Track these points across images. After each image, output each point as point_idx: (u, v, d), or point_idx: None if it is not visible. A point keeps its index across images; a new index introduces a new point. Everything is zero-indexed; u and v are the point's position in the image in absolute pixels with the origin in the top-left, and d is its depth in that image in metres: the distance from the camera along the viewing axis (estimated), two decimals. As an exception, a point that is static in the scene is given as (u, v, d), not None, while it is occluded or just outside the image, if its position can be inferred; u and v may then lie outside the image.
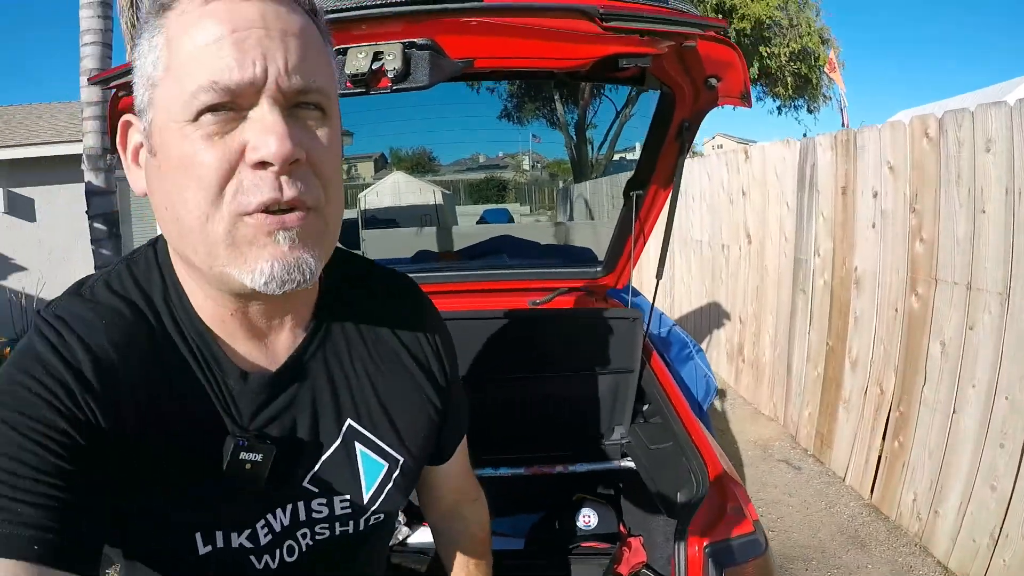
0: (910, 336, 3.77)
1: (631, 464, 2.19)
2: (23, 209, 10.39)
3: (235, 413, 0.84)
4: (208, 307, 0.83)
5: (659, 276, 2.10)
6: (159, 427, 0.78)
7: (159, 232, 0.89)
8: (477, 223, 4.72)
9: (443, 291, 2.43)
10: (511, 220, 4.93)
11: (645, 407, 2.25)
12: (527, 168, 5.95)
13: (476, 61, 1.25)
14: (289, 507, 0.90)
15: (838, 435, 4.49)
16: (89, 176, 6.01)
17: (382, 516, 0.99)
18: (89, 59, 5.85)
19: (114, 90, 1.40)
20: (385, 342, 0.99)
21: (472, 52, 1.24)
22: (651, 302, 2.21)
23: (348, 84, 1.15)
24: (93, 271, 5.30)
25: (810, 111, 18.68)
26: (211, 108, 0.70)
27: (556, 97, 4.53)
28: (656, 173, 2.01)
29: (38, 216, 10.48)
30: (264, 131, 0.70)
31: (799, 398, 4.99)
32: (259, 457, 0.81)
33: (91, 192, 6.04)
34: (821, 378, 4.69)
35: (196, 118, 0.70)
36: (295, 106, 0.74)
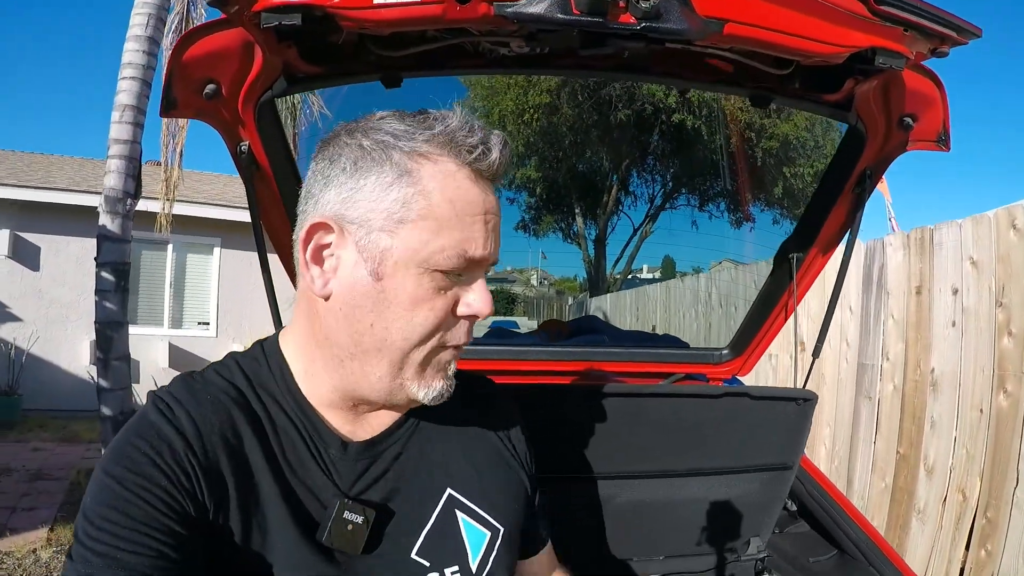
0: (998, 437, 3.55)
1: None
2: (28, 256, 10.11)
3: (337, 479, 0.92)
4: (317, 393, 0.94)
5: (816, 354, 1.86)
6: (260, 494, 0.86)
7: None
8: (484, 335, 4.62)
9: (526, 371, 2.09)
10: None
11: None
12: (535, 284, 5.98)
13: (726, 26, 1.05)
14: None
15: (911, 548, 4.15)
16: (104, 219, 5.78)
17: None
18: (125, 94, 5.74)
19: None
20: (476, 426, 1.11)
21: (726, 12, 1.04)
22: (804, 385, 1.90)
23: (575, 9, 0.99)
24: (93, 329, 5.03)
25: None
26: (452, 271, 0.87)
27: (577, 209, 4.49)
28: (822, 232, 1.76)
29: (42, 266, 10.20)
30: (482, 299, 0.91)
31: (862, 511, 4.59)
32: (360, 519, 0.89)
33: (104, 237, 5.79)
34: (889, 489, 4.38)
35: (434, 271, 0.86)
36: None
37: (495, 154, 0.88)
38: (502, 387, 1.24)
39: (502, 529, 1.04)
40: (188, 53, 1.16)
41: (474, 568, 0.99)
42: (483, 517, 1.02)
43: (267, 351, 0.98)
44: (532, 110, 3.69)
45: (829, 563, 1.75)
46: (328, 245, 0.89)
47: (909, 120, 1.41)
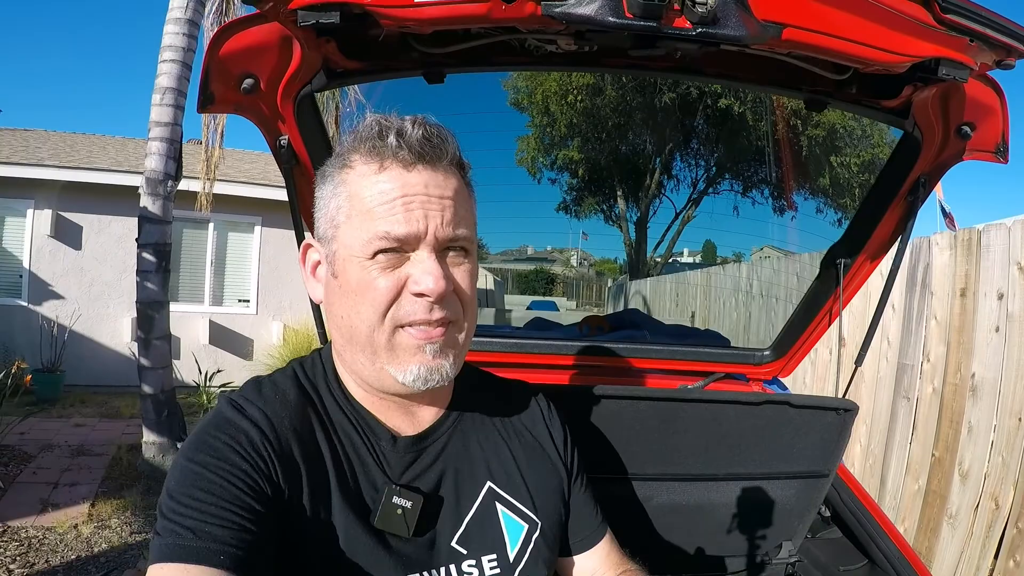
0: (1034, 447, 3.48)
1: None
2: (70, 235, 10.24)
3: (388, 470, 1.02)
4: (360, 393, 1.06)
5: (859, 362, 1.83)
6: (323, 479, 0.96)
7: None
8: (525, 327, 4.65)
9: (566, 365, 2.09)
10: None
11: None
12: (575, 264, 5.92)
13: (785, 31, 1.03)
14: (443, 569, 1.02)
15: (940, 552, 4.11)
16: (145, 201, 5.86)
17: None
18: (165, 77, 5.75)
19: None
20: (514, 423, 1.19)
21: (785, 16, 1.03)
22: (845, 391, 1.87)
23: (627, 12, 0.96)
24: (135, 307, 5.11)
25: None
26: (383, 251, 0.95)
27: (619, 192, 4.44)
28: (873, 238, 1.73)
29: (84, 245, 10.33)
30: (423, 272, 0.95)
31: (893, 512, 4.58)
32: (409, 504, 0.98)
33: (145, 219, 5.88)
34: (923, 491, 4.32)
35: (373, 256, 0.95)
36: (445, 249, 0.98)
37: (391, 138, 0.95)
38: (541, 387, 1.29)
39: (540, 523, 1.11)
40: (225, 48, 1.18)
41: (511, 558, 1.07)
42: (521, 510, 1.10)
43: (323, 357, 1.10)
44: (575, 91, 3.70)
45: (859, 572, 1.74)
46: (318, 262, 1.06)
47: (967, 129, 1.38)
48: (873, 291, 4.76)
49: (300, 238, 1.61)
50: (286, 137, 1.40)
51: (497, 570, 1.06)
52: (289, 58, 1.22)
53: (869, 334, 1.77)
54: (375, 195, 0.95)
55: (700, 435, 1.68)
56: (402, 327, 0.97)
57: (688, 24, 0.98)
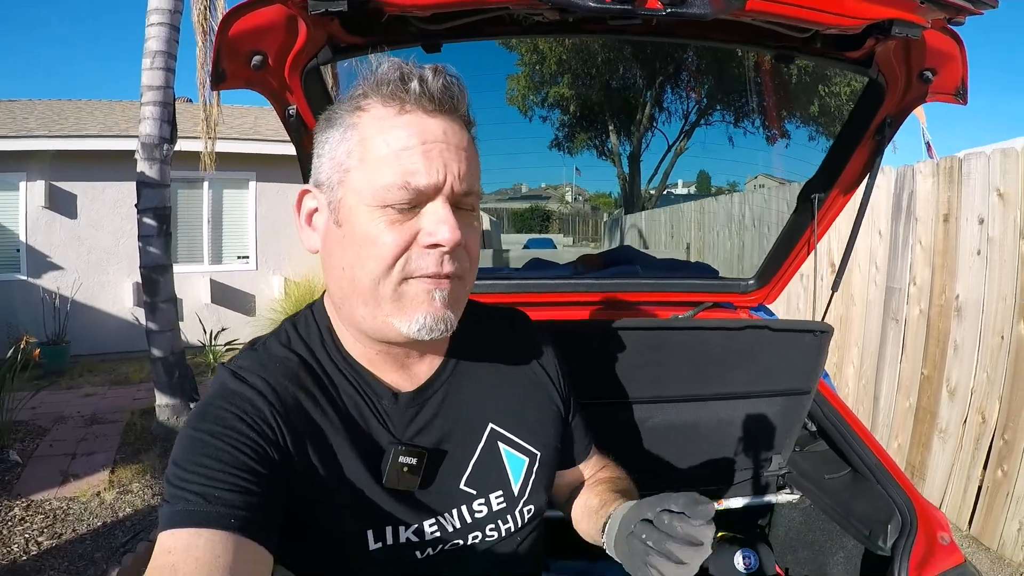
0: (1017, 363, 3.68)
1: (792, 497, 1.98)
2: (65, 205, 10.14)
3: (391, 427, 1.03)
4: (357, 348, 1.05)
5: (835, 288, 1.95)
6: (330, 441, 0.97)
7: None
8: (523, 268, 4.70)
9: (563, 302, 2.21)
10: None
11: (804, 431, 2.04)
12: (569, 200, 5.91)
13: (748, 2, 1.13)
14: (455, 511, 1.06)
15: (932, 466, 4.33)
16: (143, 166, 5.82)
17: (532, 509, 1.15)
18: (154, 40, 5.70)
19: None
20: (510, 359, 1.19)
21: None
22: (823, 317, 2.01)
23: None
24: (135, 271, 5.13)
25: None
26: (394, 205, 0.91)
27: (611, 126, 4.45)
28: (843, 175, 1.82)
29: (80, 213, 10.23)
30: (439, 222, 0.92)
31: (887, 429, 4.78)
32: (413, 461, 1.00)
33: (143, 184, 5.84)
34: (913, 408, 4.52)
35: (383, 206, 0.92)
36: (454, 205, 0.95)
37: (414, 84, 0.92)
38: (540, 322, 1.32)
39: (539, 453, 1.16)
40: (234, 28, 1.23)
41: (516, 491, 1.12)
42: (522, 445, 1.14)
43: (316, 316, 1.09)
44: None
45: (842, 480, 1.87)
46: (315, 209, 1.01)
47: (929, 74, 1.45)
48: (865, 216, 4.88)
49: None
50: (294, 107, 1.47)
51: (504, 504, 1.11)
52: (295, 36, 1.28)
53: (842, 264, 1.89)
54: (393, 139, 0.91)
55: (689, 360, 1.80)
56: (410, 279, 0.94)
57: (659, 5, 1.10)
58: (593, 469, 1.36)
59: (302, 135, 1.53)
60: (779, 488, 2.02)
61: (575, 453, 1.32)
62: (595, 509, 1.21)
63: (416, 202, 0.93)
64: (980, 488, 3.91)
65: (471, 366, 1.14)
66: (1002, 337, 3.77)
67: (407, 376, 1.07)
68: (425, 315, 0.95)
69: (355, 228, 0.93)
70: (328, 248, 0.99)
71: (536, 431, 1.17)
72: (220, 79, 1.31)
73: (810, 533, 1.95)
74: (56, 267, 10.11)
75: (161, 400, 6.03)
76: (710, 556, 2.04)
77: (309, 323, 1.08)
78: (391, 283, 0.94)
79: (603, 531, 1.12)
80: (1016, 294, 3.67)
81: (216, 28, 1.25)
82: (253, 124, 12.20)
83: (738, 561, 1.93)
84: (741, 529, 2.12)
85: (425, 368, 1.09)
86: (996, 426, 3.80)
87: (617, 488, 1.25)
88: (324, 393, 1.00)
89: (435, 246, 0.93)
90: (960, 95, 1.48)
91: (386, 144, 0.92)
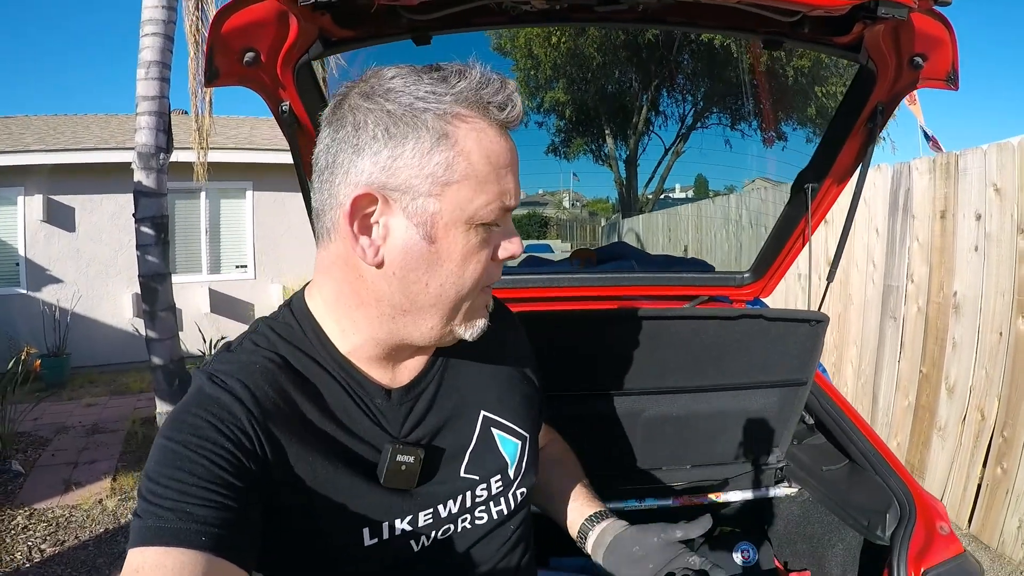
0: (1016, 360, 3.67)
1: (791, 490, 1.97)
2: (62, 218, 10.18)
3: (386, 426, 1.01)
4: (351, 347, 1.01)
5: (830, 279, 1.92)
6: (316, 445, 0.94)
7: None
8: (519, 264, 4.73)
9: (559, 297, 2.21)
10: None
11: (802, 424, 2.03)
12: (567, 206, 5.91)
13: None
14: (459, 497, 1.07)
15: (931, 465, 4.32)
16: (139, 176, 5.85)
17: (524, 491, 1.17)
18: (148, 51, 5.73)
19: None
20: (492, 345, 1.15)
21: None
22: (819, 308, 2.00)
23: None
24: (134, 282, 5.14)
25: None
26: (486, 222, 0.92)
27: (607, 131, 4.46)
28: (837, 164, 1.82)
29: (78, 226, 10.28)
30: (514, 237, 0.98)
31: (886, 428, 4.78)
32: (411, 459, 1.00)
33: (140, 193, 5.86)
34: (912, 407, 4.51)
35: (480, 224, 0.92)
36: None
37: (519, 107, 0.93)
38: (507, 309, 1.33)
39: (528, 436, 1.18)
40: (226, 25, 1.23)
41: (512, 474, 1.14)
42: (513, 429, 1.15)
43: (297, 315, 1.03)
44: (559, 32, 3.67)
45: (840, 471, 1.86)
46: (371, 214, 0.91)
47: (919, 60, 1.44)
48: (856, 213, 4.89)
49: (307, 197, 1.71)
50: (287, 103, 1.46)
51: (501, 487, 1.12)
52: (287, 31, 1.28)
53: (837, 253, 1.87)
54: (494, 157, 0.91)
55: (685, 351, 1.80)
56: (485, 290, 1.00)
57: None
58: (546, 441, 1.42)
59: (295, 131, 1.52)
60: (777, 482, 2.01)
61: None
62: (568, 498, 1.34)
63: (501, 220, 0.95)
64: (980, 486, 3.91)
65: (459, 356, 1.13)
66: (1000, 334, 3.76)
67: (397, 372, 1.06)
68: (483, 320, 1.02)
69: (453, 246, 0.92)
70: (408, 262, 0.92)
71: (522, 413, 1.19)
72: (214, 76, 1.31)
73: (808, 526, 1.95)
74: (55, 280, 10.15)
75: (162, 408, 6.04)
76: (708, 551, 2.06)
77: (290, 323, 1.03)
78: (471, 298, 0.97)
79: (586, 537, 1.27)
80: (1014, 290, 3.66)
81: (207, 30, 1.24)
82: (248, 134, 12.26)
83: (736, 555, 1.92)
84: (739, 523, 2.11)
85: (414, 363, 1.08)
86: (995, 423, 3.79)
87: (578, 476, 1.38)
88: (308, 395, 0.96)
89: (508, 258, 0.98)
90: (951, 80, 1.48)
91: (488, 161, 0.90)
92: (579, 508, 1.31)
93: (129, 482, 5.14)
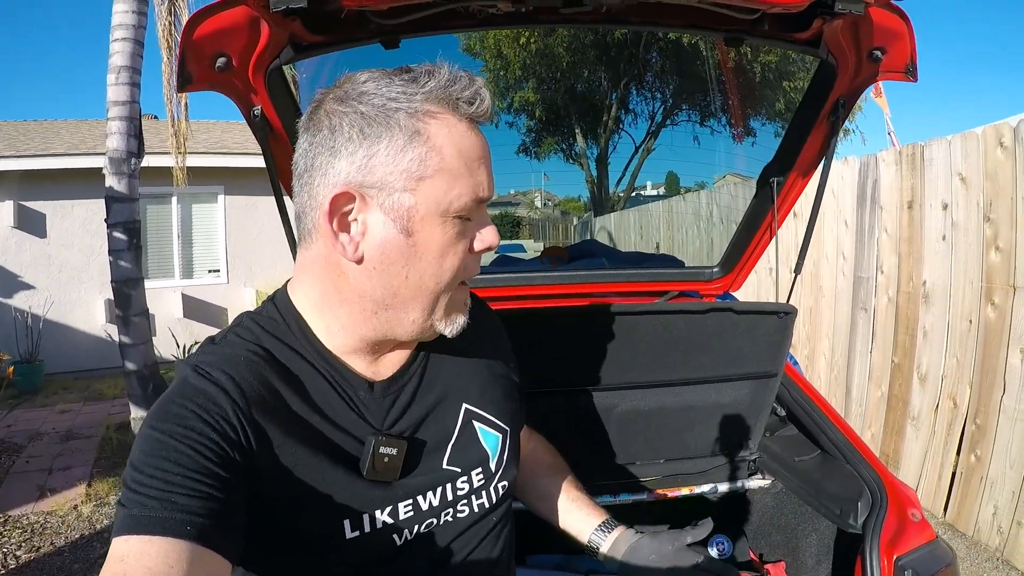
0: (986, 347, 3.72)
1: (764, 482, 1.99)
2: (34, 224, 10.04)
3: (369, 418, 1.02)
4: (335, 341, 1.03)
5: (798, 271, 1.95)
6: (300, 436, 0.94)
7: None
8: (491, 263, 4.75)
9: (530, 295, 2.22)
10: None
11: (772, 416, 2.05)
12: (539, 205, 5.91)
13: None
14: (439, 489, 1.07)
15: (906, 454, 4.37)
16: (111, 181, 5.82)
17: (506, 484, 1.18)
18: (119, 56, 5.70)
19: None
20: (472, 339, 1.14)
21: None
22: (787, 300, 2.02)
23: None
24: (107, 288, 5.13)
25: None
26: (461, 215, 0.94)
27: (577, 130, 4.48)
28: (800, 157, 1.84)
29: (49, 232, 10.14)
30: (492, 229, 1.00)
31: (860, 419, 4.82)
32: (394, 451, 1.01)
33: (112, 198, 5.84)
34: (885, 397, 4.56)
35: (455, 217, 0.94)
36: None
37: (488, 102, 0.95)
38: (486, 305, 1.36)
39: (509, 430, 1.19)
40: (198, 31, 1.23)
41: (493, 467, 1.15)
42: (494, 422, 1.17)
43: (282, 310, 1.04)
44: (528, 32, 3.69)
45: (812, 461, 1.88)
46: (350, 212, 0.93)
47: (878, 53, 1.47)
48: (825, 206, 4.93)
49: (279, 200, 1.71)
50: (259, 107, 1.47)
51: (483, 480, 1.13)
52: (258, 36, 1.29)
53: (804, 243, 1.90)
54: (466, 151, 0.94)
55: (656, 346, 1.81)
56: (460, 286, 1.01)
57: None
58: (526, 440, 1.43)
59: (267, 135, 1.53)
60: (751, 474, 2.03)
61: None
62: (567, 501, 1.37)
63: (475, 212, 0.97)
64: (954, 474, 3.95)
65: (440, 350, 1.15)
66: (970, 321, 3.82)
67: (379, 366, 1.07)
68: (463, 317, 1.03)
69: (430, 238, 0.94)
70: (387, 256, 0.94)
71: (503, 408, 1.20)
72: (187, 82, 1.31)
73: (782, 517, 1.97)
74: (27, 286, 10.00)
75: (136, 413, 6.01)
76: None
77: (274, 317, 1.04)
78: (449, 291, 0.99)
79: (598, 546, 1.31)
80: (982, 278, 3.71)
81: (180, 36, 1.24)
82: (220, 138, 12.17)
83: (712, 549, 1.94)
84: (713, 516, 2.13)
85: (397, 356, 1.09)
86: (968, 411, 3.85)
87: (575, 482, 1.42)
88: (292, 387, 0.97)
89: (485, 250, 1.01)
90: (910, 72, 1.50)
91: (460, 155, 0.93)
92: (585, 517, 1.34)
93: (104, 488, 5.11)
